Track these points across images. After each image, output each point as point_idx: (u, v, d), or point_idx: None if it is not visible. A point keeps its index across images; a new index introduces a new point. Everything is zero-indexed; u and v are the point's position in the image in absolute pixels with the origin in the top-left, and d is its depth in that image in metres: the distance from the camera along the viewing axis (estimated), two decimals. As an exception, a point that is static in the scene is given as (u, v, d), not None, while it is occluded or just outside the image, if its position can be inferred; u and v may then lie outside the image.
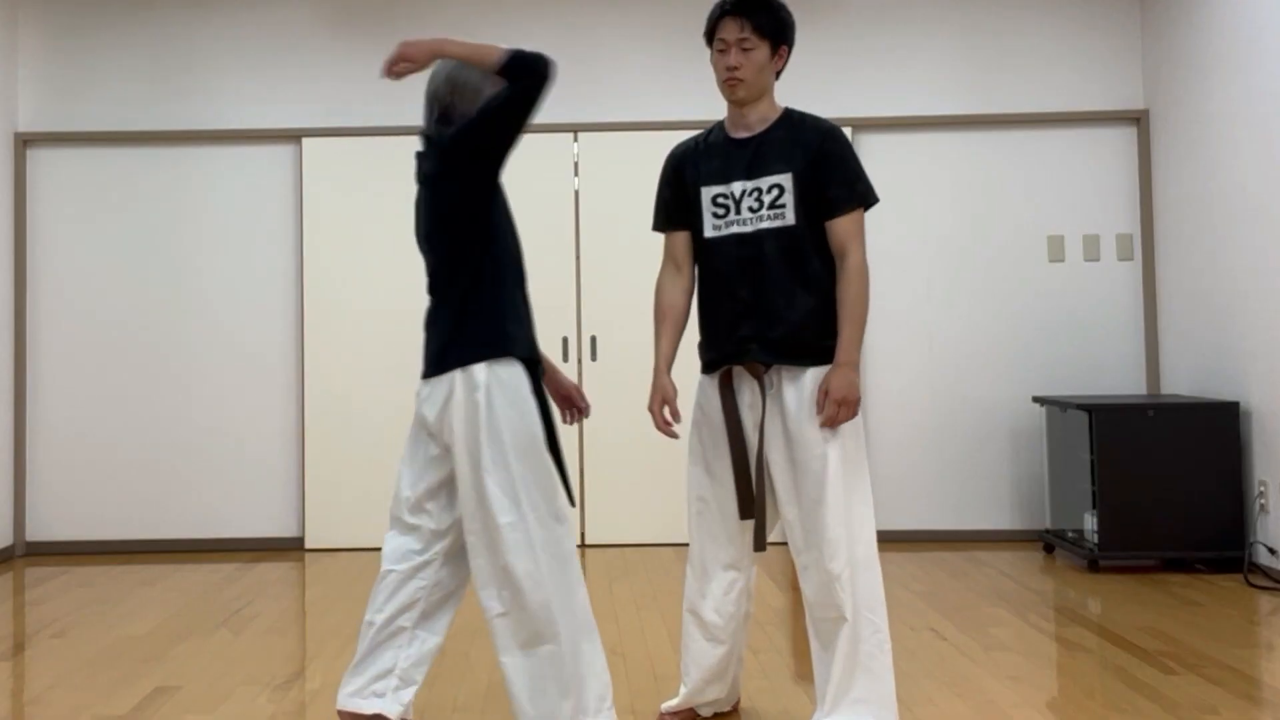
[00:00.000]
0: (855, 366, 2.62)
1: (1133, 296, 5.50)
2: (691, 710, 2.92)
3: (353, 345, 5.47)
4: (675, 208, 2.84)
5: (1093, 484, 4.70)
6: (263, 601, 4.38)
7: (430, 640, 2.72)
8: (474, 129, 2.68)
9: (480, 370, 2.58)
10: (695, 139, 2.88)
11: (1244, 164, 4.71)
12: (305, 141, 5.51)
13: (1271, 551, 4.50)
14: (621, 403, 5.14)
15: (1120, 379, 5.47)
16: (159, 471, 5.48)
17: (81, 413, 5.48)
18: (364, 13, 5.61)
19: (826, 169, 2.66)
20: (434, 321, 2.74)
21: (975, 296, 5.52)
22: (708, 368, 2.79)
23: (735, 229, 2.71)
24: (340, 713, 2.72)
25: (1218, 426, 4.64)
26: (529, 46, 2.79)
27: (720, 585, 2.80)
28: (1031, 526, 5.41)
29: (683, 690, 2.90)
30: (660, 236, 2.92)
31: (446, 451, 2.67)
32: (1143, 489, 4.62)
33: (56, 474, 5.47)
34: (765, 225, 2.68)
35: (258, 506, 5.48)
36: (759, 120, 2.76)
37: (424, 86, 2.86)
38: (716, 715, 2.96)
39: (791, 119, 2.76)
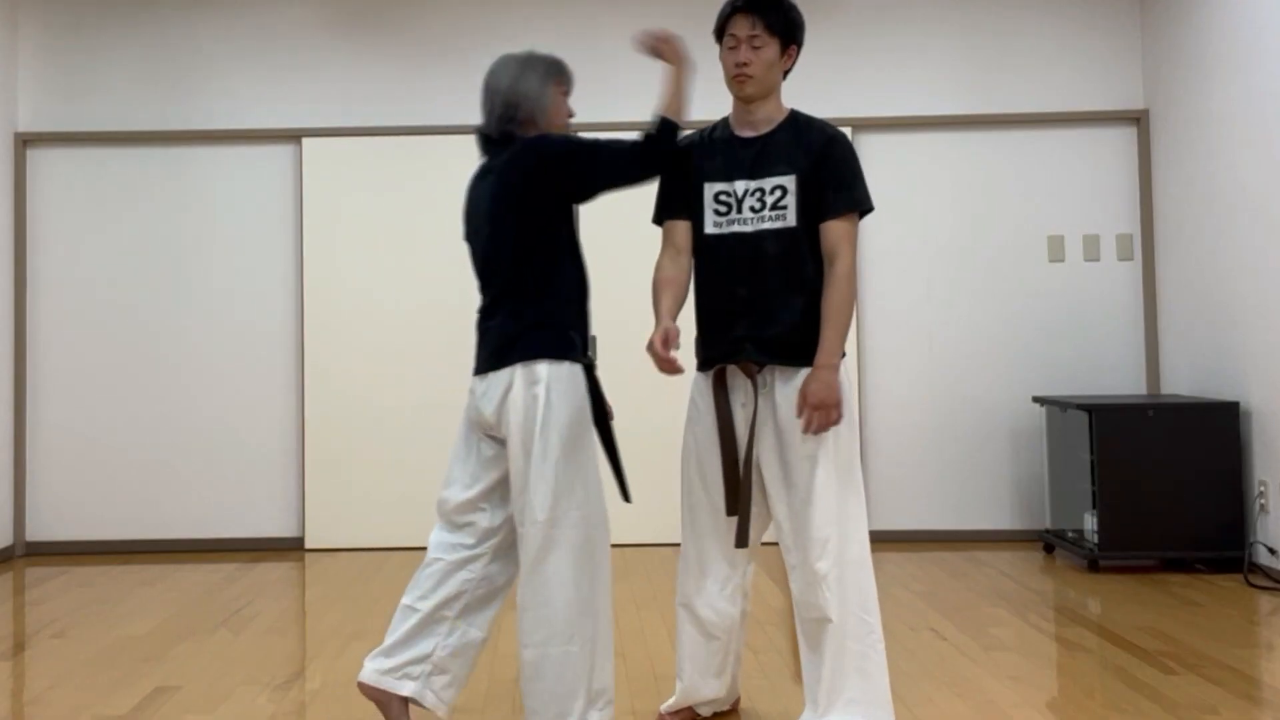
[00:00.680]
0: (835, 370, 2.60)
1: (1133, 296, 5.50)
2: (690, 709, 2.92)
3: (353, 345, 5.47)
4: (677, 199, 2.83)
5: (1093, 484, 4.70)
6: (263, 601, 4.38)
7: (471, 633, 2.74)
8: (585, 163, 2.69)
9: (542, 367, 2.62)
10: (700, 132, 2.88)
11: (1244, 164, 4.71)
12: (305, 141, 5.51)
13: (1271, 551, 4.50)
14: (621, 403, 5.12)
15: (1120, 379, 5.47)
16: (159, 471, 5.48)
17: (81, 413, 5.48)
18: (364, 13, 5.61)
19: (826, 171, 2.67)
20: (494, 317, 2.73)
21: (975, 296, 5.52)
22: (702, 366, 2.79)
23: (736, 228, 2.71)
24: (366, 688, 2.71)
25: (1218, 426, 4.64)
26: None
27: (714, 582, 2.80)
28: (1031, 526, 5.41)
29: (679, 688, 2.90)
30: (658, 232, 2.91)
31: (501, 450, 2.70)
32: (1143, 489, 4.62)
33: (56, 474, 5.47)
34: (766, 226, 2.68)
35: (258, 506, 5.48)
36: (765, 120, 2.76)
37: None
38: (716, 715, 2.96)
39: (798, 121, 2.77)
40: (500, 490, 2.73)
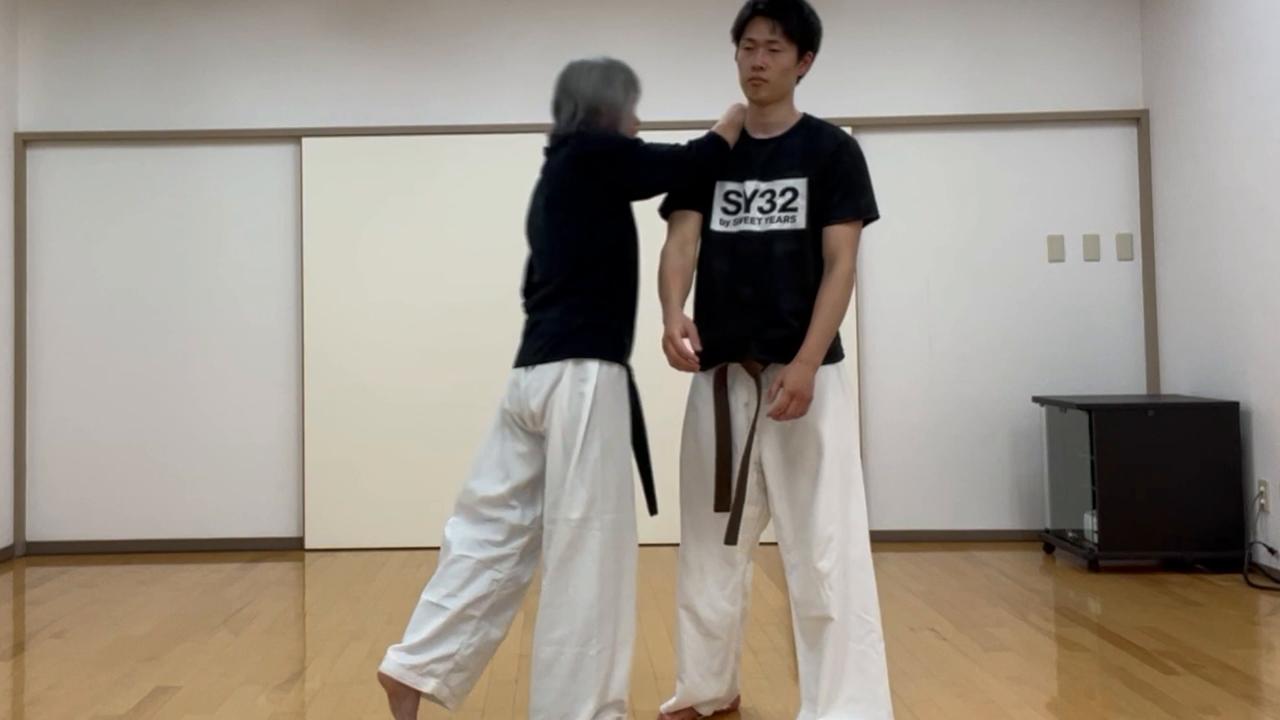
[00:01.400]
0: (814, 367, 2.60)
1: (1133, 296, 5.50)
2: (691, 710, 2.92)
3: (353, 345, 5.47)
4: (689, 192, 2.82)
5: (1093, 484, 4.70)
6: (263, 601, 4.38)
7: (492, 633, 2.75)
8: (636, 158, 2.71)
9: (593, 366, 2.64)
10: None
11: (1244, 164, 4.71)
12: (305, 141, 5.51)
13: (1271, 551, 4.50)
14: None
15: (1120, 379, 5.47)
16: (159, 471, 5.48)
17: (81, 413, 5.48)
18: (364, 13, 5.61)
19: (836, 177, 2.69)
20: (546, 311, 2.75)
21: (975, 296, 5.52)
22: (703, 364, 2.79)
23: (745, 226, 2.72)
24: (386, 679, 2.71)
25: (1218, 426, 4.64)
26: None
27: (715, 582, 2.81)
28: (1031, 526, 5.41)
29: (679, 688, 2.90)
30: (661, 233, 2.90)
31: (536, 446, 2.72)
32: (1143, 489, 4.62)
33: (56, 474, 5.47)
34: (775, 227, 2.69)
35: (258, 506, 5.48)
36: (778, 123, 2.79)
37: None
38: (716, 714, 2.96)
39: (810, 125, 2.79)
40: (531, 489, 2.74)
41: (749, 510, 2.75)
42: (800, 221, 2.67)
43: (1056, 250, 5.51)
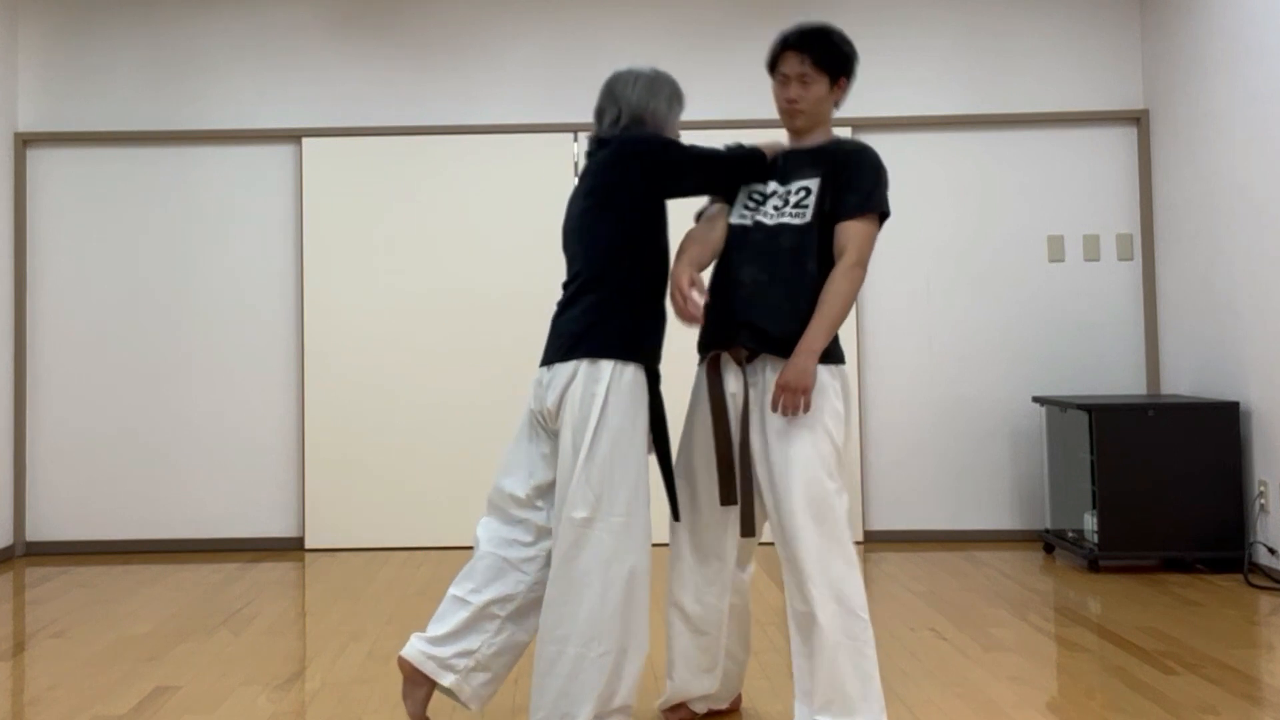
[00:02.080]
0: (813, 356, 2.59)
1: (1133, 296, 5.50)
2: (684, 706, 2.91)
3: (353, 345, 5.47)
4: (724, 196, 2.90)
5: (1093, 484, 4.70)
6: (263, 601, 4.38)
7: (518, 636, 2.77)
8: (678, 157, 2.75)
9: (607, 366, 2.64)
10: None
11: (1244, 164, 4.71)
12: (305, 141, 5.51)
13: (1271, 551, 4.50)
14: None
15: (1120, 379, 5.47)
16: (159, 471, 5.48)
17: (81, 413, 5.48)
18: (364, 13, 5.60)
19: (847, 174, 2.72)
20: (570, 310, 2.75)
21: (975, 296, 5.52)
22: (699, 350, 2.81)
23: (758, 218, 2.77)
24: (406, 665, 2.73)
25: (1218, 426, 4.64)
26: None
27: (702, 575, 2.80)
28: (1031, 526, 5.41)
29: (669, 686, 2.90)
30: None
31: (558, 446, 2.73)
32: (1143, 489, 4.62)
33: (56, 474, 5.47)
34: (785, 220, 2.72)
35: (258, 506, 5.48)
36: (813, 143, 2.85)
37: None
38: (712, 713, 2.96)
39: (836, 140, 2.86)
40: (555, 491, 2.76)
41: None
42: (808, 217, 2.70)
43: (1056, 250, 5.51)
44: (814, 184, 2.72)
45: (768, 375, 2.68)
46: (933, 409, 5.49)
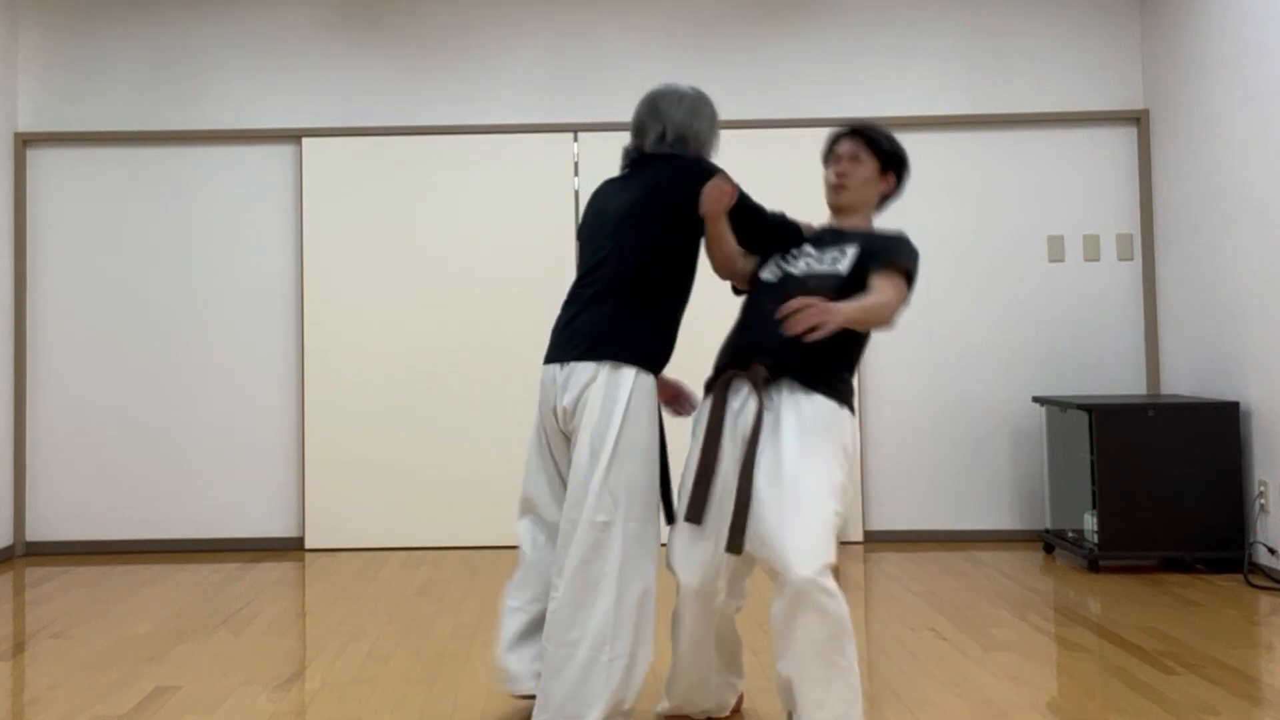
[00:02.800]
0: (842, 311, 2.53)
1: (1133, 296, 5.50)
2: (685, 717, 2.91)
3: (353, 345, 5.47)
4: (754, 246, 2.92)
5: (1093, 484, 4.70)
6: (263, 601, 4.38)
7: None
8: (734, 210, 2.80)
9: (630, 373, 2.66)
10: None
11: (1244, 164, 4.71)
12: (305, 141, 5.51)
13: (1271, 551, 4.50)
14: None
15: (1120, 379, 5.47)
16: (159, 471, 5.48)
17: (81, 413, 5.48)
18: (364, 13, 5.60)
19: (882, 243, 2.78)
20: (590, 308, 2.75)
21: (975, 296, 5.52)
22: (715, 372, 2.79)
23: (788, 269, 2.80)
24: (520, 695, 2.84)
25: (1218, 426, 4.64)
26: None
27: (689, 589, 2.73)
28: (1031, 526, 5.41)
29: (667, 703, 2.90)
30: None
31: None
32: (1143, 489, 4.62)
33: (56, 474, 5.47)
34: (816, 270, 2.75)
35: (258, 506, 5.48)
36: (852, 228, 2.88)
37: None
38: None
39: (876, 230, 2.90)
40: None
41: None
42: (840, 270, 2.73)
43: (1056, 250, 5.51)
44: (850, 249, 2.77)
45: (784, 401, 2.65)
46: (933, 409, 5.49)
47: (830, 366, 2.69)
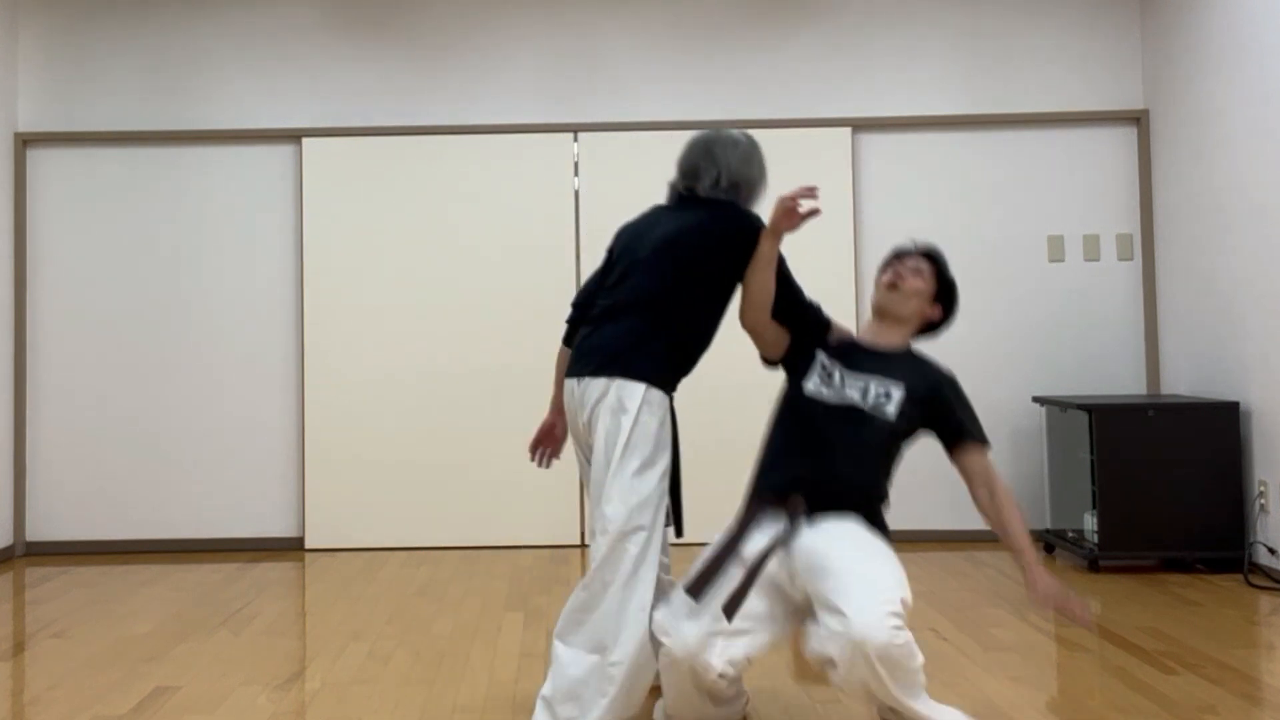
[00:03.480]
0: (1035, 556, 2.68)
1: (1133, 296, 5.50)
2: None
3: (353, 345, 5.47)
4: (797, 346, 2.94)
5: (1093, 484, 4.70)
6: (263, 601, 4.38)
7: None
8: (783, 281, 2.89)
9: (639, 388, 2.71)
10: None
11: (1244, 164, 4.71)
12: (305, 141, 5.51)
13: (1271, 551, 4.50)
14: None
15: (1120, 379, 5.47)
16: (159, 471, 5.48)
17: (81, 413, 5.48)
18: (364, 13, 5.60)
19: (953, 402, 2.84)
20: (608, 324, 2.82)
21: (975, 296, 5.52)
22: (756, 493, 2.77)
23: (840, 399, 2.78)
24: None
25: (1218, 426, 4.64)
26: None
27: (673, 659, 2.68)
28: (1032, 526, 5.39)
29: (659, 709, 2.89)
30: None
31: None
32: (1143, 489, 4.62)
33: (56, 474, 5.47)
34: (867, 409, 2.75)
35: (258, 506, 5.48)
36: (887, 345, 2.91)
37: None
38: None
39: (914, 353, 2.93)
40: None
41: (756, 622, 2.60)
42: (890, 416, 2.75)
43: (1056, 250, 5.51)
44: (898, 389, 2.78)
45: (817, 521, 2.65)
46: (933, 409, 5.48)
47: (869, 502, 2.74)
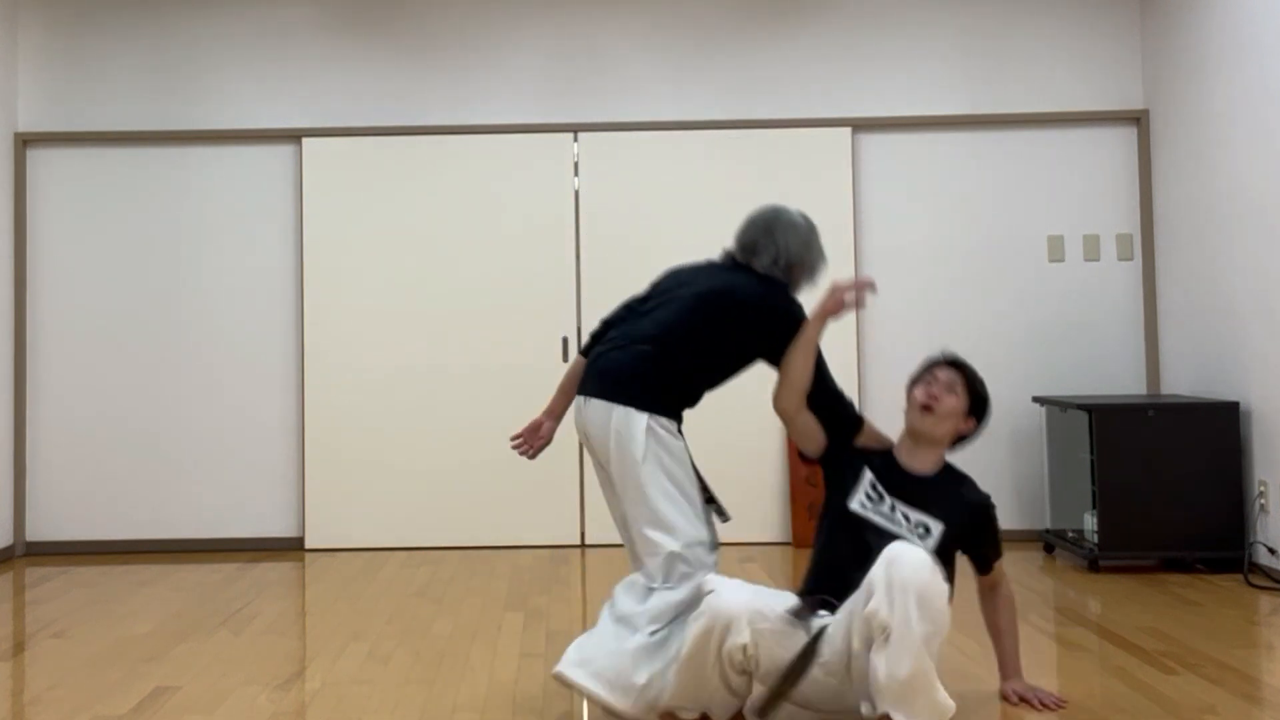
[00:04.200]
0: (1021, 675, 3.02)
1: (1133, 296, 5.50)
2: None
3: (353, 345, 5.47)
4: (836, 448, 2.99)
5: (1093, 484, 4.70)
6: (263, 601, 4.38)
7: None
8: (819, 373, 2.97)
9: (641, 417, 2.82)
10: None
11: (1244, 164, 4.71)
12: (305, 141, 5.51)
13: (1271, 551, 4.50)
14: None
15: (1120, 379, 5.47)
16: (159, 471, 5.48)
17: (81, 413, 5.48)
18: (364, 13, 5.60)
19: (984, 535, 2.98)
20: (619, 352, 2.91)
21: (975, 296, 5.52)
22: (801, 595, 2.82)
23: (883, 523, 2.86)
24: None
25: (1218, 426, 4.64)
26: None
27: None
28: (1031, 526, 5.41)
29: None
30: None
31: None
32: (1143, 489, 4.62)
33: (56, 474, 5.47)
34: (909, 538, 2.83)
35: (258, 506, 5.48)
36: (925, 462, 2.96)
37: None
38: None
39: (954, 473, 2.99)
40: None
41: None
42: (930, 550, 2.83)
43: (1056, 250, 5.51)
44: (937, 527, 2.86)
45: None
46: (933, 409, 5.48)
47: None
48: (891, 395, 5.48)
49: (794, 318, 2.91)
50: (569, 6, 5.60)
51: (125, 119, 5.56)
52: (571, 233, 5.48)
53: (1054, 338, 5.49)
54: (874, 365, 5.49)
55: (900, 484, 2.91)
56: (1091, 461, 4.70)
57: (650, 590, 2.79)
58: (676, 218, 5.45)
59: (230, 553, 5.38)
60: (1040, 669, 3.32)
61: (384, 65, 5.58)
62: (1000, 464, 5.46)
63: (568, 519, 5.43)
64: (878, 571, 2.53)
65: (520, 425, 5.16)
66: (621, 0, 5.60)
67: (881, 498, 2.90)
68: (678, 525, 2.78)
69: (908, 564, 2.49)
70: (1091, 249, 5.51)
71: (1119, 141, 5.55)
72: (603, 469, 2.94)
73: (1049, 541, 5.09)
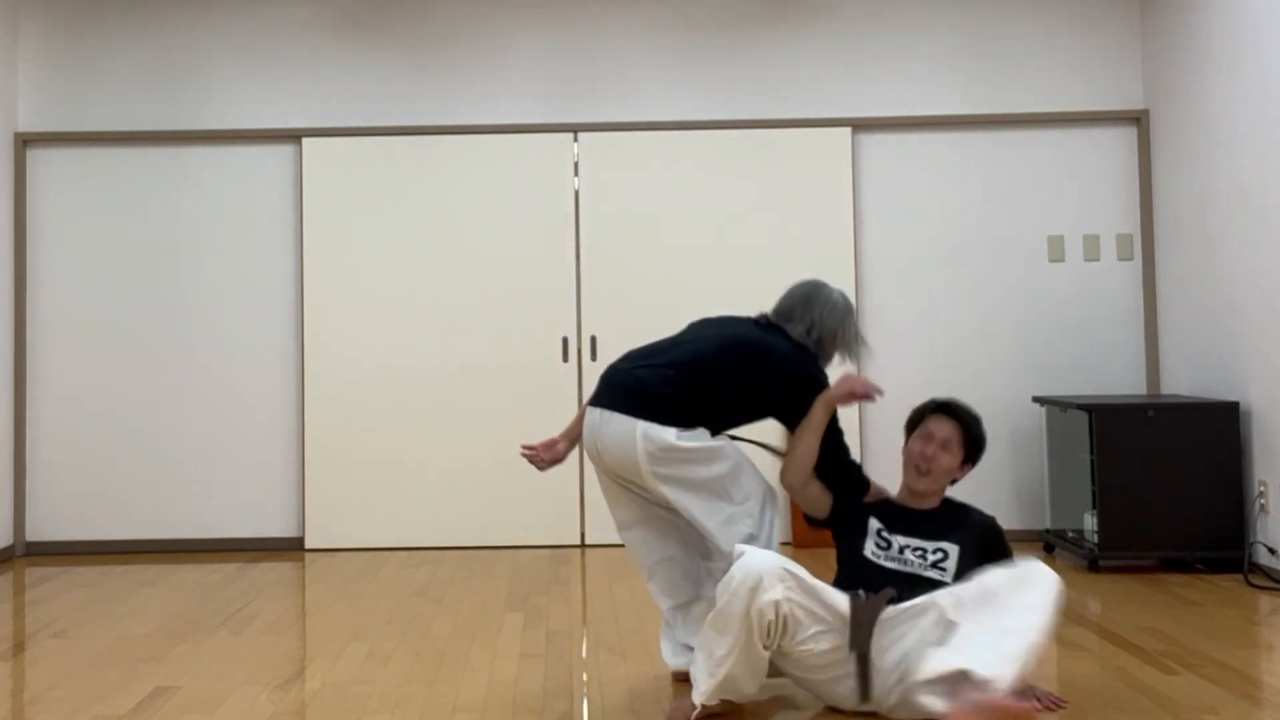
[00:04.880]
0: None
1: (1133, 296, 5.50)
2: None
3: (353, 345, 5.47)
4: (842, 510, 3.11)
5: (1093, 484, 4.70)
6: (263, 601, 4.38)
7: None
8: (832, 436, 3.11)
9: (669, 431, 2.94)
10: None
11: (1244, 164, 4.71)
12: (305, 141, 5.51)
13: (1271, 551, 4.50)
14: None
15: (1120, 379, 5.47)
16: (159, 471, 5.48)
17: (81, 413, 5.48)
18: (364, 13, 5.60)
19: (997, 553, 3.00)
20: (644, 371, 3.02)
21: (975, 296, 5.52)
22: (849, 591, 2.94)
23: (895, 565, 2.95)
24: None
25: (1218, 426, 4.64)
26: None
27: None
28: (1031, 526, 5.41)
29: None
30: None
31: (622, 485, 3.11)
32: (1143, 489, 4.62)
33: (56, 474, 5.47)
34: (926, 574, 2.92)
35: (258, 506, 5.48)
36: (926, 501, 3.10)
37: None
38: (717, 717, 2.95)
39: (954, 503, 3.12)
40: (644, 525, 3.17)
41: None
42: (948, 578, 2.90)
43: (1056, 250, 5.51)
44: (953, 550, 2.96)
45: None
46: (933, 409, 5.48)
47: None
48: (891, 395, 5.46)
49: (816, 385, 3.02)
50: (569, 6, 5.60)
51: (125, 119, 5.56)
52: (571, 233, 5.48)
53: (1054, 338, 5.49)
54: (874, 366, 5.49)
55: (909, 522, 3.03)
56: (1091, 461, 4.70)
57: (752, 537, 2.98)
58: (676, 218, 5.45)
59: (230, 553, 5.38)
60: (1040, 669, 3.32)
61: (384, 65, 5.57)
62: (1000, 464, 5.46)
63: (568, 519, 5.43)
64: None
65: (520, 425, 5.16)
66: (621, 0, 5.60)
67: (889, 544, 3.00)
68: (726, 498, 2.95)
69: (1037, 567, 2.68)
70: (1091, 249, 5.51)
71: (1119, 141, 5.55)
72: (616, 479, 3.02)
73: (1049, 541, 5.09)
